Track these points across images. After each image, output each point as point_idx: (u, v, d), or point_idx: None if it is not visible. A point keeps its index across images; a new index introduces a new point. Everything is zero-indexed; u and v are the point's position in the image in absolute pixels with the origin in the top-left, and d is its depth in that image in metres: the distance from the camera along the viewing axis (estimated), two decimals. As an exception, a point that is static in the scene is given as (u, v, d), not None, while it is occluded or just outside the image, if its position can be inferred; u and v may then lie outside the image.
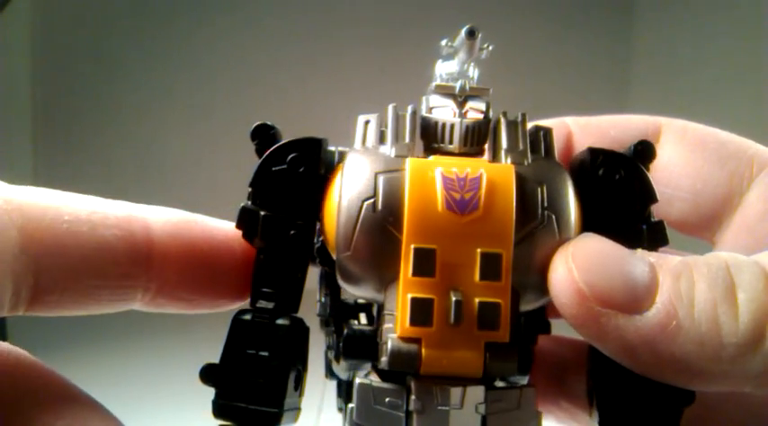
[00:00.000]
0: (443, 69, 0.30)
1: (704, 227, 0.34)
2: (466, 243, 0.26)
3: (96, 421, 0.26)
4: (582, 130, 0.35)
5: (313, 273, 0.31)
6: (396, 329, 0.26)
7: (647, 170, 0.29)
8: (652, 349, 0.25)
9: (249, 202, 0.29)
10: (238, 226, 0.29)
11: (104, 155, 1.50)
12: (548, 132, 0.29)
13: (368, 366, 0.29)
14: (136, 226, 0.29)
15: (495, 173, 0.27)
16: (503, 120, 0.29)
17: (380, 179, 0.27)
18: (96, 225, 0.28)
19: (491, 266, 0.26)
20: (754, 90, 1.17)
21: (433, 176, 0.26)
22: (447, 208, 0.26)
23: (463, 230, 0.26)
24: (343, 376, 0.32)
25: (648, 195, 0.29)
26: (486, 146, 0.30)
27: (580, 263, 0.26)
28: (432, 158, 0.28)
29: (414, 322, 0.26)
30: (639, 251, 0.27)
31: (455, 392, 0.26)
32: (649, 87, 1.53)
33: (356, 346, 0.28)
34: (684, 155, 0.33)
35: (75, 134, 1.49)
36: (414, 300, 0.26)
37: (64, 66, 1.49)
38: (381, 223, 0.27)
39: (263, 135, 0.29)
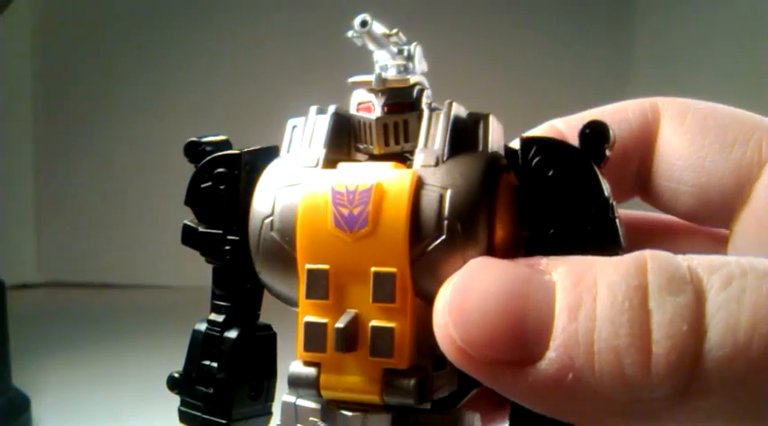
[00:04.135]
0: (380, 57, 0.28)
1: (715, 219, 0.31)
2: (358, 262, 0.24)
3: None
4: (576, 131, 0.33)
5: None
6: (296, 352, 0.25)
7: (603, 156, 0.25)
8: (553, 403, 0.21)
9: (192, 217, 0.29)
10: (183, 242, 0.29)
11: (105, 155, 1.50)
12: (481, 120, 0.26)
13: None
14: None
15: (390, 182, 0.24)
16: (425, 113, 0.26)
17: (278, 195, 0.26)
18: None
19: (383, 287, 0.24)
20: (755, 88, 1.17)
21: (325, 191, 0.25)
22: (335, 226, 0.24)
23: (354, 248, 0.24)
24: None
25: (591, 191, 0.24)
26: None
27: (456, 317, 0.22)
28: (341, 166, 0.26)
29: (307, 347, 0.25)
30: (545, 261, 0.22)
31: (354, 419, 0.25)
32: (650, 87, 1.52)
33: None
34: (685, 144, 0.31)
35: (76, 133, 1.49)
36: (307, 324, 0.25)
37: (64, 66, 1.49)
38: (279, 243, 0.25)
39: (193, 153, 0.29)
